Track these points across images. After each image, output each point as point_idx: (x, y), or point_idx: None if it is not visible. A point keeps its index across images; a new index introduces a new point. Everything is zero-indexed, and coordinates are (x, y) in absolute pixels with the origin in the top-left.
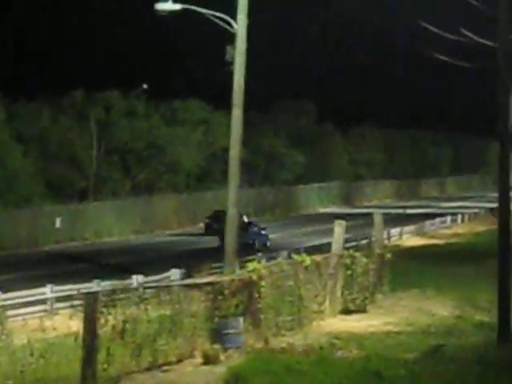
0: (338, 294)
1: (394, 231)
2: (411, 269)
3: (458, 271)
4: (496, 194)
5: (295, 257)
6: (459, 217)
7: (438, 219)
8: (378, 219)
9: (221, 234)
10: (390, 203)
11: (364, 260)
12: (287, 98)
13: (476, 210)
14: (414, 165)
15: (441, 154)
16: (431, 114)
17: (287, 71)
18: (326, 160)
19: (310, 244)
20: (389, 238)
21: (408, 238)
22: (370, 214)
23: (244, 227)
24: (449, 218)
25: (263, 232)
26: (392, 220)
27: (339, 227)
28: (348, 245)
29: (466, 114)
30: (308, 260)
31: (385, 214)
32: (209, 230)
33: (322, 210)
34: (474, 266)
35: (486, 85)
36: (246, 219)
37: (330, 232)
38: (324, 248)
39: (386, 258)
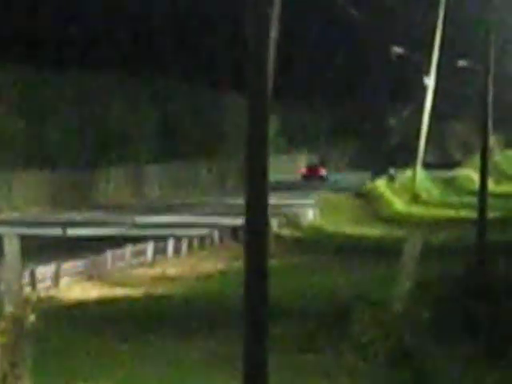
0: None
1: (46, 271)
2: (77, 345)
3: (170, 353)
4: (241, 201)
5: None
6: (170, 244)
7: (129, 249)
8: (11, 247)
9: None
10: (36, 215)
11: None
12: None
13: (204, 231)
14: (83, 139)
15: (127, 120)
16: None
17: None
18: None
19: None
20: (33, 283)
21: (72, 283)
22: None
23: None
24: (150, 247)
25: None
26: (41, 249)
27: None
28: None
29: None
30: None
31: (24, 237)
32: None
33: None
34: (199, 342)
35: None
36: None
37: None
38: None
39: (29, 325)
